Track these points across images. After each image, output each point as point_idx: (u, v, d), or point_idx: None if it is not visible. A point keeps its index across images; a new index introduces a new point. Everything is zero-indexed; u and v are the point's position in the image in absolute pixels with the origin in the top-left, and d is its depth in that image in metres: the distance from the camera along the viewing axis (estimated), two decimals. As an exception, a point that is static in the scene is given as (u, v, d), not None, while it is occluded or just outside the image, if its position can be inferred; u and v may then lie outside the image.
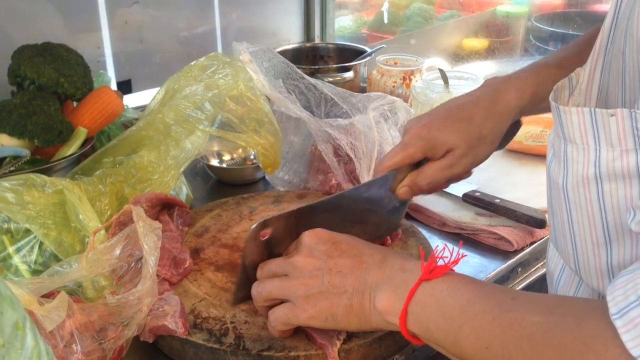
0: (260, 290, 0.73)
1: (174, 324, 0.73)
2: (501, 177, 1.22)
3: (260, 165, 1.02)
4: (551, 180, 0.66)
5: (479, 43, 2.29)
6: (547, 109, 0.90)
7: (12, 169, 1.02)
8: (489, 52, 2.24)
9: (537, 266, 1.06)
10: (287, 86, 1.07)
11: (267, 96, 0.99)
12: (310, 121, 0.99)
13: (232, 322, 0.77)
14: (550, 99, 0.63)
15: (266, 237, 0.75)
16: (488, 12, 2.44)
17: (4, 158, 1.06)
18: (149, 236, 0.75)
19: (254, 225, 0.73)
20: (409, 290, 0.63)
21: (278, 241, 0.77)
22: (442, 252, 0.66)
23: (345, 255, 0.70)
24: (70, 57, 1.15)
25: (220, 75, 0.96)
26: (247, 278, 0.78)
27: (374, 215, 0.88)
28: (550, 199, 0.68)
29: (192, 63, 1.01)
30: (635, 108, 0.55)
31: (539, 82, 0.86)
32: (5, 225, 0.86)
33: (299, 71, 1.08)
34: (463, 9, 2.51)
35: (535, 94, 0.87)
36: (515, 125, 0.93)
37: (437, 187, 0.91)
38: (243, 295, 0.80)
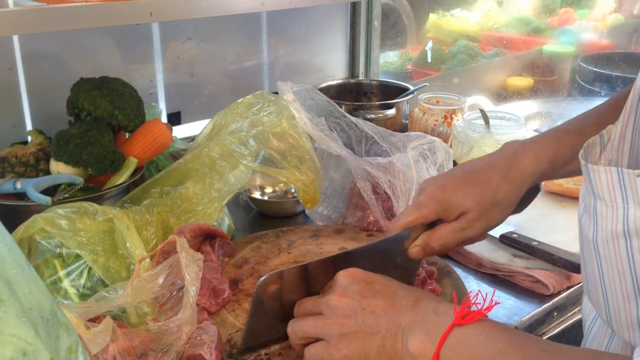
0: (296, 328, 0.75)
1: (209, 354, 0.76)
2: (540, 219, 1.22)
3: (300, 201, 1.05)
4: (582, 233, 0.67)
5: (524, 82, 2.30)
6: (567, 175, 0.90)
7: (66, 195, 1.07)
8: (533, 92, 2.24)
9: (573, 311, 1.05)
10: (329, 124, 1.10)
11: (308, 134, 1.03)
12: (350, 159, 1.02)
13: (266, 354, 0.80)
14: (579, 156, 0.64)
15: (276, 290, 0.76)
16: (534, 51, 2.45)
17: (59, 185, 1.11)
18: (191, 267, 0.78)
19: (262, 278, 0.75)
20: (442, 335, 0.64)
21: (315, 281, 0.78)
22: (475, 297, 0.66)
23: (379, 296, 0.71)
24: (125, 90, 1.21)
25: (265, 113, 1.00)
26: (257, 329, 0.79)
27: (387, 271, 0.87)
28: (582, 251, 0.69)
29: (239, 100, 1.05)
30: None
31: (558, 148, 0.85)
32: (58, 250, 0.91)
33: (341, 110, 1.11)
34: (509, 47, 2.52)
35: (554, 160, 0.86)
36: (534, 190, 0.92)
37: (450, 249, 0.91)
38: (253, 345, 0.80)
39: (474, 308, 0.65)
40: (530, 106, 2.03)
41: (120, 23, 0.97)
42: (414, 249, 0.86)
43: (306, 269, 0.78)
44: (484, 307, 0.65)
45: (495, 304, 0.67)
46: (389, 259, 0.86)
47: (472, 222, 0.84)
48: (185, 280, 0.78)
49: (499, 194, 0.84)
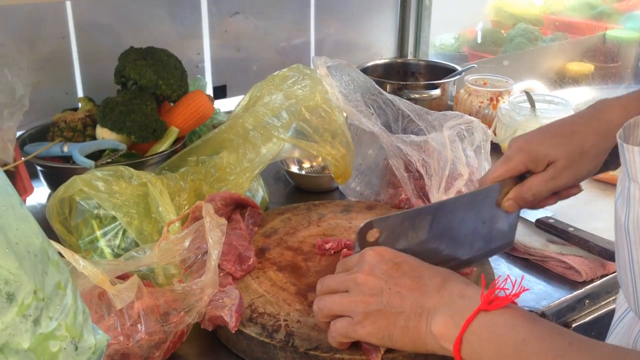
0: (322, 305, 0.75)
1: (229, 317, 0.78)
2: (581, 206, 1.19)
3: (332, 176, 1.06)
4: (616, 217, 0.65)
5: (583, 68, 2.22)
6: None
7: (109, 160, 1.12)
8: (593, 78, 2.16)
9: (607, 300, 1.03)
10: (366, 100, 1.10)
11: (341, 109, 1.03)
12: (383, 135, 1.02)
13: (285, 320, 0.82)
14: (617, 136, 0.63)
15: (375, 240, 0.79)
16: (597, 36, 2.36)
17: (104, 150, 1.16)
18: (214, 231, 0.81)
19: (361, 225, 0.78)
20: (466, 319, 0.64)
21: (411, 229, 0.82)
22: (503, 283, 0.66)
23: (405, 276, 0.71)
24: (170, 61, 1.24)
25: (299, 86, 1.01)
26: None
27: (476, 231, 0.90)
28: (616, 236, 0.67)
29: (276, 73, 1.06)
30: None
31: None
32: (95, 211, 0.95)
33: (378, 87, 1.11)
34: (571, 31, 2.44)
35: None
36: None
37: (543, 201, 0.92)
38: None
39: (501, 293, 0.65)
40: (586, 92, 1.96)
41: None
42: (508, 202, 0.89)
43: (409, 217, 0.81)
44: (512, 293, 0.65)
45: (523, 290, 0.66)
46: (480, 215, 0.89)
47: (560, 171, 0.86)
48: (208, 243, 0.81)
49: (586, 143, 0.86)
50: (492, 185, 0.88)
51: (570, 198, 0.93)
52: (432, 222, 0.83)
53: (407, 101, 1.11)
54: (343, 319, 0.73)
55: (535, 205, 0.92)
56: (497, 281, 0.66)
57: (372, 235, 0.78)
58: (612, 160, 0.88)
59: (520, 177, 0.89)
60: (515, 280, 0.66)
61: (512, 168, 0.88)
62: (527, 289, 0.68)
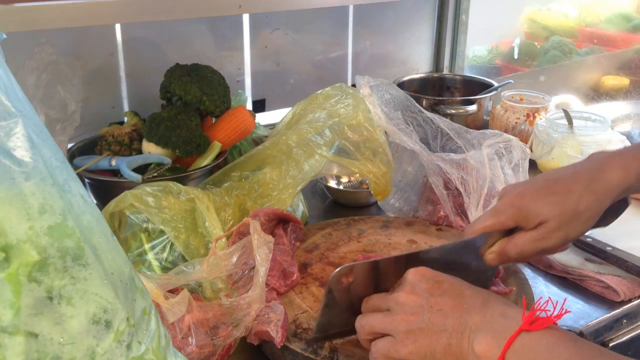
0: (364, 323, 0.76)
1: (275, 332, 0.81)
2: (618, 225, 1.17)
3: (372, 192, 1.09)
4: None
5: (619, 82, 2.21)
6: None
7: (155, 174, 1.16)
8: (629, 92, 2.15)
9: (646, 320, 1.03)
10: (406, 118, 1.12)
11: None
12: (423, 154, 1.04)
13: (334, 345, 0.83)
14: None
15: (348, 283, 0.77)
16: (633, 50, 2.34)
17: (150, 164, 1.20)
18: (262, 248, 0.84)
19: (335, 271, 0.76)
20: (508, 339, 0.64)
21: (385, 278, 0.79)
22: (545, 305, 0.66)
23: (447, 295, 0.72)
24: (214, 77, 1.28)
25: (342, 105, 1.04)
26: (328, 320, 0.81)
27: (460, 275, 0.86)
28: None
29: (319, 92, 1.09)
30: None
31: None
32: (144, 225, 0.99)
33: (418, 105, 1.13)
34: (606, 44, 2.42)
35: None
36: (622, 204, 0.89)
37: (527, 258, 0.90)
38: (323, 336, 0.82)
39: (542, 314, 0.65)
40: (622, 107, 1.95)
41: (211, 15, 1.04)
42: (490, 255, 0.85)
43: (377, 265, 0.79)
44: (553, 315, 0.65)
45: (566, 312, 0.66)
46: (463, 263, 0.85)
47: (551, 232, 0.82)
48: (256, 260, 0.84)
49: (581, 205, 0.82)
50: (477, 237, 0.84)
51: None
52: (406, 269, 0.78)
53: (446, 119, 1.13)
54: (385, 339, 0.74)
55: (518, 261, 0.90)
56: (538, 302, 0.67)
57: (346, 279, 0.77)
58: (602, 218, 0.86)
59: (508, 231, 0.85)
60: (557, 302, 0.67)
61: (501, 222, 0.84)
62: (569, 312, 0.69)
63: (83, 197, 0.40)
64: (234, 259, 0.87)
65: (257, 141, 1.37)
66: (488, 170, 1.08)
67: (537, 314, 0.65)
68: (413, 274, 0.76)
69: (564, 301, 0.70)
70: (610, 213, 0.88)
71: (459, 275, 0.78)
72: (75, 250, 0.36)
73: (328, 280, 0.77)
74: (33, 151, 0.34)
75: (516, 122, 1.51)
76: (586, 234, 1.10)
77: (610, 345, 1.00)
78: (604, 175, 0.83)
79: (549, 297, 0.69)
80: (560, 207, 0.82)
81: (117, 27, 1.34)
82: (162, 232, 0.98)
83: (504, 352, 0.64)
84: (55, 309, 0.36)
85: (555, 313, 0.66)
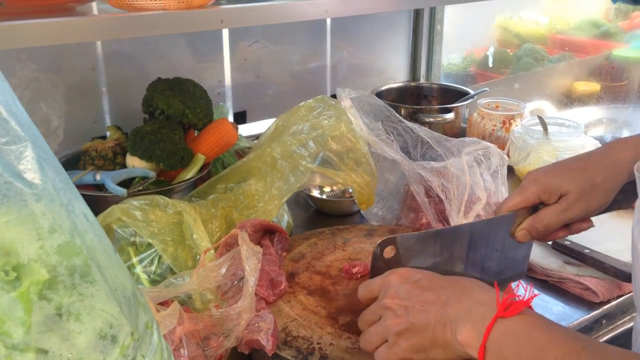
0: (365, 342, 0.80)
1: (265, 340, 0.82)
2: (595, 228, 1.22)
3: (356, 202, 1.11)
4: (634, 244, 0.70)
5: (590, 87, 2.27)
6: None
7: (140, 188, 1.16)
8: (600, 97, 2.20)
9: (623, 319, 1.06)
10: (387, 128, 1.14)
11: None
12: (404, 163, 1.06)
13: (318, 343, 0.85)
14: (635, 168, 0.67)
15: (390, 256, 0.84)
16: (603, 56, 2.40)
17: (134, 177, 1.21)
18: (251, 259, 0.85)
19: (379, 241, 0.83)
20: (486, 327, 0.68)
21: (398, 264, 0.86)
22: (516, 289, 0.70)
23: (427, 291, 0.76)
24: (196, 91, 1.29)
25: (325, 117, 1.06)
26: None
27: (489, 257, 0.94)
28: (634, 262, 0.71)
29: (301, 104, 1.11)
30: None
31: None
32: (132, 239, 1.00)
33: (397, 115, 1.16)
34: (576, 51, 2.48)
35: None
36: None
37: (555, 233, 0.96)
38: None
39: (515, 300, 0.69)
40: (594, 112, 2.00)
41: (194, 30, 1.04)
42: (521, 232, 0.93)
43: (417, 238, 0.86)
44: (525, 299, 0.69)
45: (535, 295, 0.70)
46: (493, 242, 0.93)
47: (572, 203, 0.90)
48: (245, 271, 0.85)
49: (597, 177, 0.90)
50: (507, 214, 0.93)
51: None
52: (447, 244, 0.88)
53: (426, 128, 1.16)
54: (383, 346, 0.78)
55: (546, 236, 0.96)
56: (510, 287, 0.70)
57: (388, 252, 0.84)
58: (624, 198, 0.93)
59: (534, 210, 0.94)
60: (527, 286, 0.72)
61: (526, 198, 0.93)
62: (538, 294, 0.73)
63: (86, 216, 0.42)
64: (223, 270, 0.88)
65: (240, 153, 1.38)
66: (468, 177, 1.11)
67: (510, 299, 0.69)
68: (394, 278, 0.80)
69: (531, 285, 0.74)
70: (632, 195, 0.93)
71: (490, 254, 0.87)
72: (83, 268, 0.37)
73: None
74: (42, 173, 0.36)
75: (493, 129, 1.54)
76: (567, 238, 1.13)
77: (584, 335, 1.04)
78: (617, 153, 0.93)
79: (519, 282, 0.72)
80: (578, 180, 0.91)
81: (98, 43, 1.34)
82: (149, 246, 0.99)
83: (485, 341, 0.68)
84: (64, 326, 0.37)
85: (527, 297, 0.69)
